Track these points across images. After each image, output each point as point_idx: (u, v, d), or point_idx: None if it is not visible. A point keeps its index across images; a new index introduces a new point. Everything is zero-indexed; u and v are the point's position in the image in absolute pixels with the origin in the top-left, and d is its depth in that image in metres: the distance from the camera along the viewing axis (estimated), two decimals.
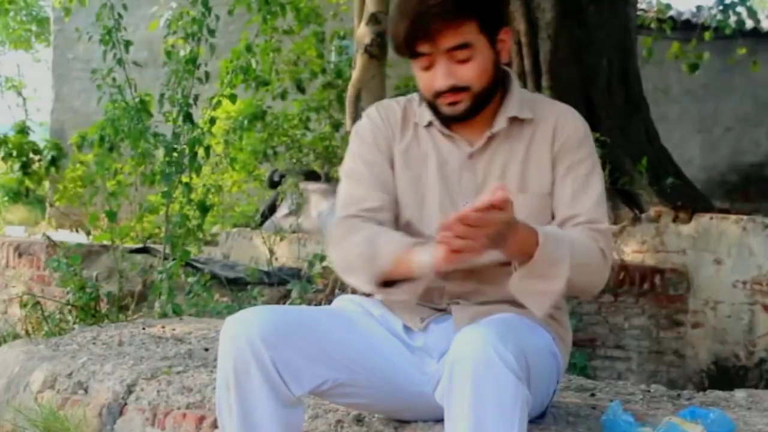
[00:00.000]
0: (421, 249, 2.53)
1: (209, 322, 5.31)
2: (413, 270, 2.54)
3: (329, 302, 3.18)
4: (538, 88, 9.32)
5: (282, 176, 10.82)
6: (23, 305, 6.84)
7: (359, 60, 8.29)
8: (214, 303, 6.59)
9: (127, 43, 7.71)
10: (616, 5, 10.02)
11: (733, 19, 11.59)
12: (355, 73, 8.35)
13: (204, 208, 7.44)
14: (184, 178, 7.25)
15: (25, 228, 10.86)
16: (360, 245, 2.64)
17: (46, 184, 10.12)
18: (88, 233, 7.94)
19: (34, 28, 23.04)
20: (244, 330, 2.44)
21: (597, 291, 2.72)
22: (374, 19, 8.11)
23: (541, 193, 2.72)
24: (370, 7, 8.17)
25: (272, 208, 10.76)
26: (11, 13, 21.59)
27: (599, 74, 9.74)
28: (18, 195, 8.83)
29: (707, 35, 11.81)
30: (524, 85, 9.42)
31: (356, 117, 6.88)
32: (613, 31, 9.93)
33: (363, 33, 8.25)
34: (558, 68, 9.48)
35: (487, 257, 2.47)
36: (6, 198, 9.21)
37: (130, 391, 3.70)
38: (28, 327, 6.88)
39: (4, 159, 9.08)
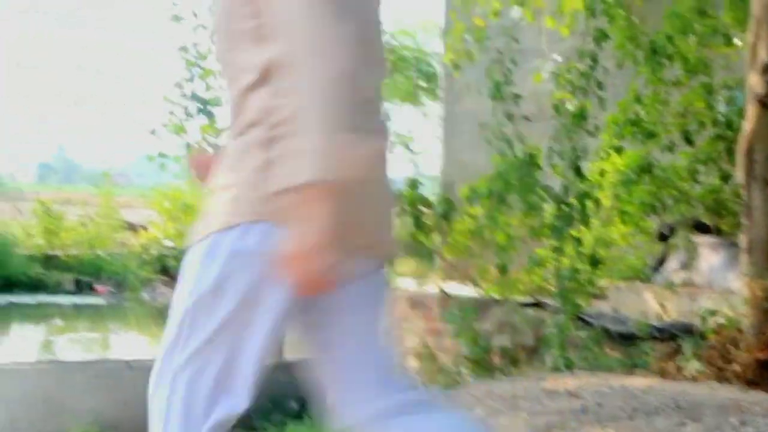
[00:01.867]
0: None
1: (602, 376, 5.26)
2: None
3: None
4: None
5: (671, 229, 10.61)
6: (419, 357, 7.03)
7: (751, 111, 8.01)
8: (606, 357, 6.52)
9: (516, 97, 7.82)
10: None
11: None
12: (747, 125, 8.08)
13: (594, 262, 7.39)
14: (574, 232, 7.24)
15: (416, 280, 11.18)
16: None
17: (436, 236, 10.37)
18: (476, 286, 8.05)
19: (422, 83, 23.78)
20: None
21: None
22: None
23: None
24: (764, 56, 7.89)
25: (661, 262, 10.56)
26: (399, 70, 22.42)
27: None
28: (409, 248, 9.08)
29: None
30: None
31: (750, 170, 6.67)
32: None
33: (756, 83, 7.97)
34: None
35: None
36: (398, 251, 9.50)
37: None
38: (423, 378, 7.05)
39: (397, 213, 9.39)
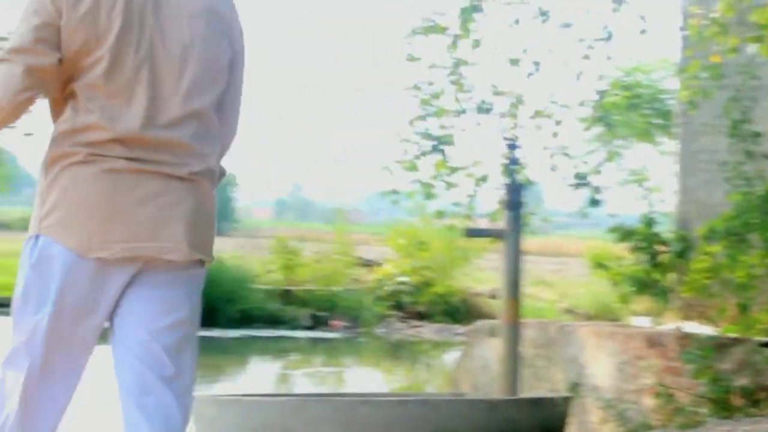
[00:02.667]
0: None
1: None
2: None
3: None
4: None
5: None
6: (656, 396, 6.97)
7: None
8: None
9: (755, 135, 7.70)
10: None
11: None
12: None
13: None
14: None
15: (650, 318, 11.06)
16: None
17: (672, 275, 10.25)
18: (714, 325, 7.93)
19: (658, 121, 23.45)
20: None
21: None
22: None
23: None
24: None
25: None
26: (634, 108, 22.18)
27: None
28: (645, 286, 9.02)
29: None
30: None
31: None
32: None
33: None
34: None
35: None
36: (633, 288, 9.46)
37: None
38: (661, 418, 6.98)
39: (632, 250, 9.34)
